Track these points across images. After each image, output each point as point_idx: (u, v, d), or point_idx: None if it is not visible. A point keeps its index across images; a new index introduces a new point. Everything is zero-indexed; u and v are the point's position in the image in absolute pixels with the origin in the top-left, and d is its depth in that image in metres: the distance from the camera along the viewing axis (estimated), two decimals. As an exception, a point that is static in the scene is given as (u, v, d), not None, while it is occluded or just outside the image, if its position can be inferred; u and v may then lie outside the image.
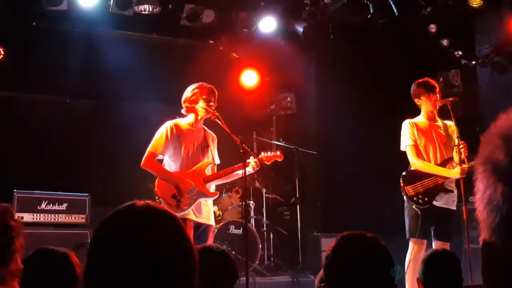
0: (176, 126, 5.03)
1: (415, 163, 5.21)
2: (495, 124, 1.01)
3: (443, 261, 2.94)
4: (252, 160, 4.99)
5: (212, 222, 5.08)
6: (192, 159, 4.98)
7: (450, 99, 5.25)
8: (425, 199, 5.12)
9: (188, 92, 5.06)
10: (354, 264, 1.91)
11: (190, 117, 5.10)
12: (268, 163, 5.27)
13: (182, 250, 1.24)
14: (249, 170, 4.98)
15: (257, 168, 5.07)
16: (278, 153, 5.35)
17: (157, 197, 4.95)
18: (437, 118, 5.39)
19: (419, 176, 5.19)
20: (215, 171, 5.16)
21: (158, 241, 1.21)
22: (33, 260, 2.19)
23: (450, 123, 5.30)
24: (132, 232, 1.20)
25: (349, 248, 1.95)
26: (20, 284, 1.94)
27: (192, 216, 4.86)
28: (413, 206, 5.14)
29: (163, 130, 4.99)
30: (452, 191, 5.20)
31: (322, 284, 1.97)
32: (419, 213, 5.09)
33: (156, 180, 4.98)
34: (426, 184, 5.14)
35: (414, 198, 5.13)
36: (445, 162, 5.22)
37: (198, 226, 4.93)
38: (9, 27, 7.28)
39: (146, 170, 5.04)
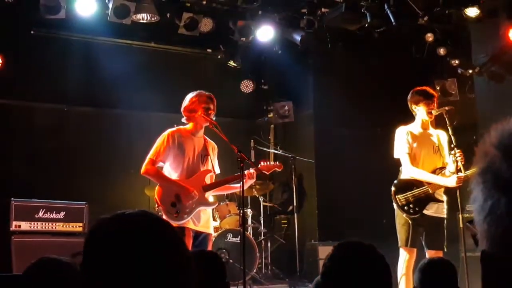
0: (177, 133, 4.99)
1: (411, 172, 5.18)
2: (489, 134, 1.00)
3: (439, 270, 2.95)
4: (250, 171, 4.98)
5: (211, 230, 5.06)
6: (192, 167, 4.95)
7: (446, 108, 5.24)
8: (416, 208, 5.11)
9: (186, 101, 5.04)
10: (351, 273, 1.93)
11: (191, 126, 5.09)
12: (267, 173, 5.26)
13: (176, 256, 1.24)
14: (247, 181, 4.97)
15: (253, 180, 5.08)
16: (277, 163, 5.36)
17: (156, 206, 4.93)
18: (430, 127, 5.38)
19: (410, 185, 5.17)
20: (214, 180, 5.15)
21: (152, 248, 1.20)
22: (37, 269, 2.15)
23: (442, 132, 5.31)
24: (124, 240, 1.20)
25: (346, 257, 1.97)
26: None
27: (191, 225, 4.82)
28: (404, 215, 5.14)
29: (164, 137, 4.95)
30: (442, 201, 5.20)
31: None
32: (410, 222, 5.10)
33: (156, 189, 4.94)
34: (417, 194, 5.12)
35: (405, 208, 5.12)
36: (437, 171, 5.21)
37: (197, 235, 4.89)
38: (8, 35, 7.30)
39: (145, 177, 5.02)
